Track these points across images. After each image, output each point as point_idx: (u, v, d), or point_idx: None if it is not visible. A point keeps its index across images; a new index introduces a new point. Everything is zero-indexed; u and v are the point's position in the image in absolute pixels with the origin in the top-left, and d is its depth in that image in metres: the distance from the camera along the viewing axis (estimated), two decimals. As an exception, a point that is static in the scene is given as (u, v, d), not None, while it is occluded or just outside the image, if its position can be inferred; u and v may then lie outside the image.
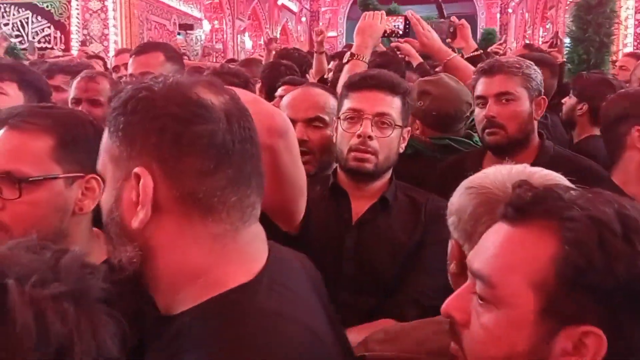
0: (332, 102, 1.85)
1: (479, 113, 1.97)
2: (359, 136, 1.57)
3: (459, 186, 1.08)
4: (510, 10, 18.05)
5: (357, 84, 1.63)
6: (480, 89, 1.96)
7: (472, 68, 2.31)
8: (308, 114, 1.78)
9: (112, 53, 8.76)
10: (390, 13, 2.24)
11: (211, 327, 0.76)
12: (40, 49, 9.00)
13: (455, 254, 1.06)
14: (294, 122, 1.79)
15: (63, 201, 1.12)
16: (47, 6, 10.09)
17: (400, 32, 2.48)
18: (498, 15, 18.91)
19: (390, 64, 2.35)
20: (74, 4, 10.14)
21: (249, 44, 15.76)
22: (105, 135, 0.83)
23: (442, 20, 2.93)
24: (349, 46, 6.19)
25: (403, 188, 1.69)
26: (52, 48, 9.68)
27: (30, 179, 1.08)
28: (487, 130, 1.93)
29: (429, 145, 2.22)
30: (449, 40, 2.78)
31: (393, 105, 1.61)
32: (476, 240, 0.88)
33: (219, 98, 0.82)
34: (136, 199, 0.77)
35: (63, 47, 10.06)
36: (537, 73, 1.95)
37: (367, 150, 1.57)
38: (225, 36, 14.63)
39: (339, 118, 1.66)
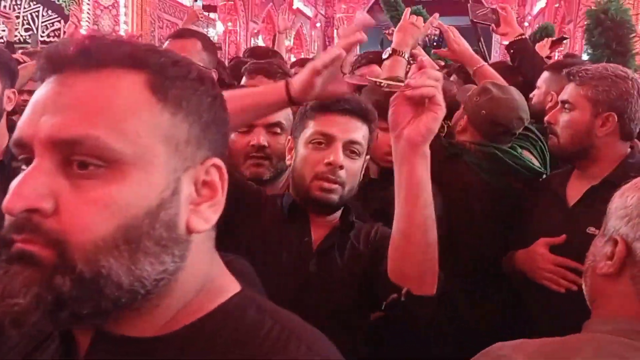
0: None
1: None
2: (328, 164, 1.42)
3: (633, 182, 1.05)
4: (526, 24, 17.88)
5: (328, 106, 1.46)
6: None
7: (500, 77, 2.27)
8: (269, 119, 1.70)
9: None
10: (414, 14, 2.22)
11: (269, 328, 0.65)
12: (46, 42, 8.91)
13: (619, 253, 1.01)
14: (253, 125, 1.72)
15: None
16: (58, 0, 10.01)
17: (435, 40, 2.50)
18: (514, 29, 18.74)
19: None
20: (85, -2, 10.06)
21: (261, 46, 15.71)
22: (155, 106, 0.62)
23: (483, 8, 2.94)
24: (363, 54, 6.04)
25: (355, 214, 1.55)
26: (61, 42, 9.60)
27: None
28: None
29: (473, 151, 2.15)
30: (492, 27, 2.84)
31: (363, 133, 1.48)
32: None
33: None
34: (206, 195, 0.66)
35: (73, 42, 9.97)
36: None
37: (335, 180, 1.43)
38: (238, 38, 14.58)
39: (299, 139, 1.49)
